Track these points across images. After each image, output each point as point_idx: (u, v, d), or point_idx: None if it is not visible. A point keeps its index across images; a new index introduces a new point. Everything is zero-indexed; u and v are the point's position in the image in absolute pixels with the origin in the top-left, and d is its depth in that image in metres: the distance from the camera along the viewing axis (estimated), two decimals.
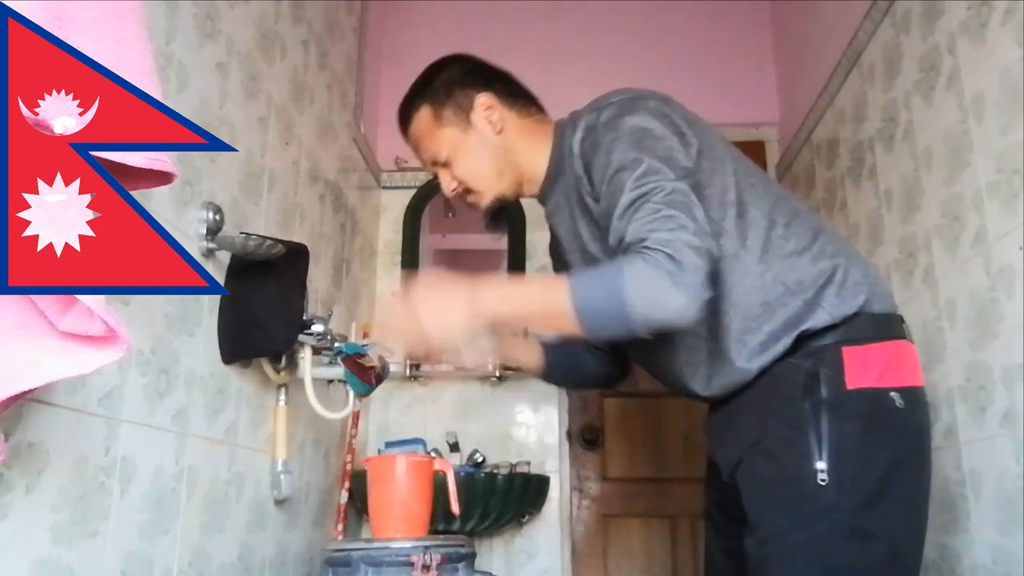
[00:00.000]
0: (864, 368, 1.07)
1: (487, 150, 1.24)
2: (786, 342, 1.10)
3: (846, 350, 1.07)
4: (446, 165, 1.26)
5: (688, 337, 1.16)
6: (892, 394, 1.07)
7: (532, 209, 3.00)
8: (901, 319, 1.17)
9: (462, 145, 1.24)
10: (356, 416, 2.33)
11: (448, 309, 1.04)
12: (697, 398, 1.25)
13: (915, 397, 1.11)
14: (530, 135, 1.27)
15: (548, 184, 1.27)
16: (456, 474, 1.77)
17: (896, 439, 1.07)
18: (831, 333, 1.09)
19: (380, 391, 2.20)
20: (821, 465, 1.02)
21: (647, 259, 0.95)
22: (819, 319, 1.09)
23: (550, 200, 1.29)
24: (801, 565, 1.03)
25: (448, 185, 1.27)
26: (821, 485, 1.02)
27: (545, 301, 1.03)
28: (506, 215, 1.30)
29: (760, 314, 1.11)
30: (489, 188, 1.26)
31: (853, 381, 1.06)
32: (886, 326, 1.13)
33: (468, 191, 1.27)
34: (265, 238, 1.46)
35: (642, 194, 1.01)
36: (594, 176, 1.11)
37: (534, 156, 1.26)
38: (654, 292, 0.94)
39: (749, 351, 1.13)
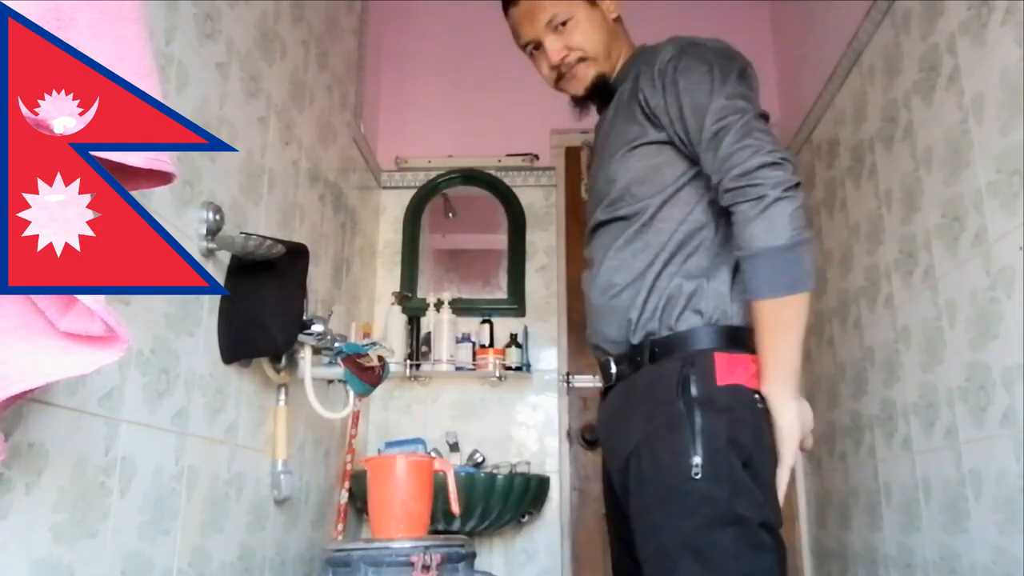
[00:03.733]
0: (732, 369, 1.14)
1: (606, 29, 1.34)
2: (678, 307, 1.19)
3: (717, 355, 1.15)
4: (558, 30, 1.31)
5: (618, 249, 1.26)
6: (756, 395, 1.14)
7: (532, 209, 3.01)
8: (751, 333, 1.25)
9: (587, 16, 1.32)
10: (356, 416, 2.33)
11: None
12: (599, 351, 1.31)
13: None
14: (626, 35, 1.40)
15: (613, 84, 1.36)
16: (456, 474, 1.77)
17: (759, 428, 1.13)
18: (705, 339, 1.16)
19: (380, 391, 2.20)
20: (696, 460, 1.08)
21: (743, 207, 1.10)
22: (707, 298, 1.18)
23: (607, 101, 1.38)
24: (685, 557, 1.08)
25: (558, 52, 1.32)
26: (695, 479, 1.07)
27: (787, 333, 1.12)
28: (595, 98, 1.40)
29: (668, 255, 1.21)
30: (599, 61, 1.33)
31: (723, 378, 1.13)
32: (750, 340, 1.19)
33: (581, 59, 1.32)
34: (265, 238, 1.46)
35: (722, 127, 1.14)
36: (673, 94, 1.20)
37: (620, 56, 1.37)
38: (766, 223, 1.09)
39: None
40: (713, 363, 1.14)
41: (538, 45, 1.34)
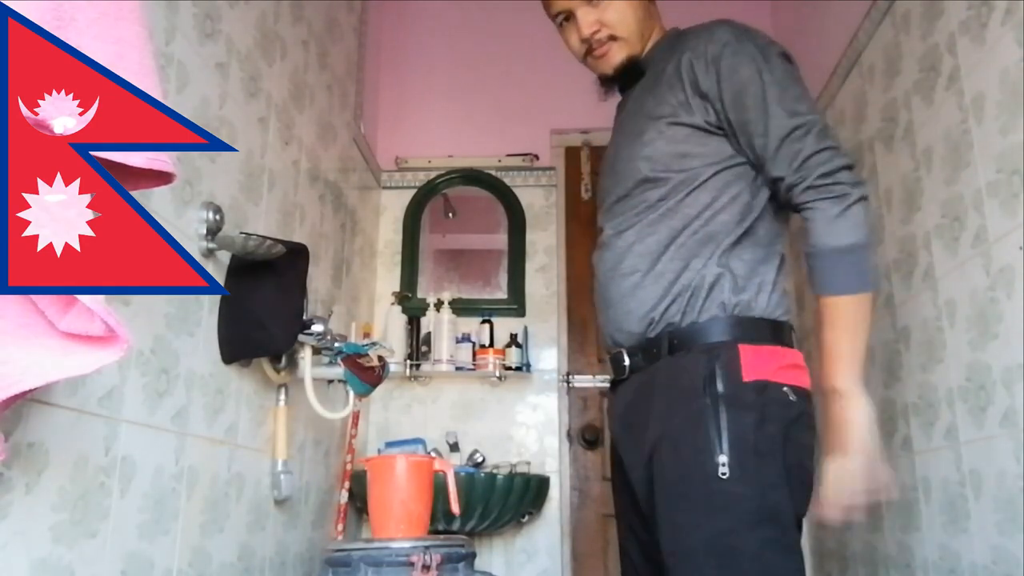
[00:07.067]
0: (758, 363, 1.11)
1: (642, 9, 1.31)
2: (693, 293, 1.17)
3: (742, 347, 1.11)
4: (592, 3, 1.28)
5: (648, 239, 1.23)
6: (785, 389, 1.11)
7: (532, 209, 3.01)
8: (792, 328, 1.21)
9: None
10: (356, 416, 2.33)
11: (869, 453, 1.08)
12: (619, 346, 1.27)
13: (807, 397, 1.15)
14: (658, 17, 1.37)
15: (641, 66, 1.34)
16: (456, 474, 1.77)
17: (790, 426, 1.10)
18: (729, 331, 1.14)
19: (380, 391, 2.20)
20: (723, 459, 1.05)
21: (825, 205, 1.11)
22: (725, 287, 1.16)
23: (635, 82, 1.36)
24: (710, 558, 1.05)
25: (589, 26, 1.28)
26: (723, 479, 1.05)
27: (860, 329, 1.11)
28: (622, 81, 1.37)
29: (694, 246, 1.19)
30: (630, 42, 1.31)
31: (748, 373, 1.10)
32: (779, 332, 1.17)
33: (611, 37, 1.29)
34: (265, 238, 1.46)
35: (800, 125, 1.14)
36: (730, 82, 1.17)
37: (652, 36, 1.34)
38: (850, 222, 1.10)
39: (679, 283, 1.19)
40: (738, 357, 1.10)
41: (569, 16, 1.30)
